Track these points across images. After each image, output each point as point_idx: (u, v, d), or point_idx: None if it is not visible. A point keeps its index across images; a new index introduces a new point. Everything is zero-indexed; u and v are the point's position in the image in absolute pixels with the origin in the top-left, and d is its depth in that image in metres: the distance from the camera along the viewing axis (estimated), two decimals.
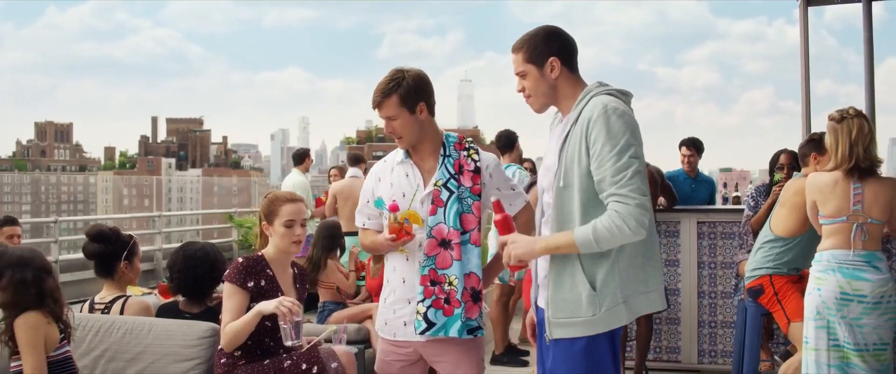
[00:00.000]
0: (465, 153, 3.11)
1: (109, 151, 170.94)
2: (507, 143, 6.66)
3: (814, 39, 6.94)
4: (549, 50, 2.67)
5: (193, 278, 3.82)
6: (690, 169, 6.97)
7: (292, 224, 3.38)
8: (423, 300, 3.02)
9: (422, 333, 3.03)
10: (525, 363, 6.32)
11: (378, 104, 3.05)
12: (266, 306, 3.24)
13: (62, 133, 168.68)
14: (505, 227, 2.70)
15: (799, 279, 4.31)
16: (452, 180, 3.06)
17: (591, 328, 2.56)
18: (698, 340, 5.95)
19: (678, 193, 6.38)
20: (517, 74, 2.74)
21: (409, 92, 3.02)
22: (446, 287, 3.00)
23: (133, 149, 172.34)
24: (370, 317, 5.52)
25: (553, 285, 2.61)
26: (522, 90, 2.74)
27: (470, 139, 3.20)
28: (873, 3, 6.22)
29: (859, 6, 6.27)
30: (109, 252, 3.87)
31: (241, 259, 3.40)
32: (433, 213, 3.03)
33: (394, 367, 3.21)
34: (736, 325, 5.43)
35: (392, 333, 3.16)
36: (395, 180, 3.15)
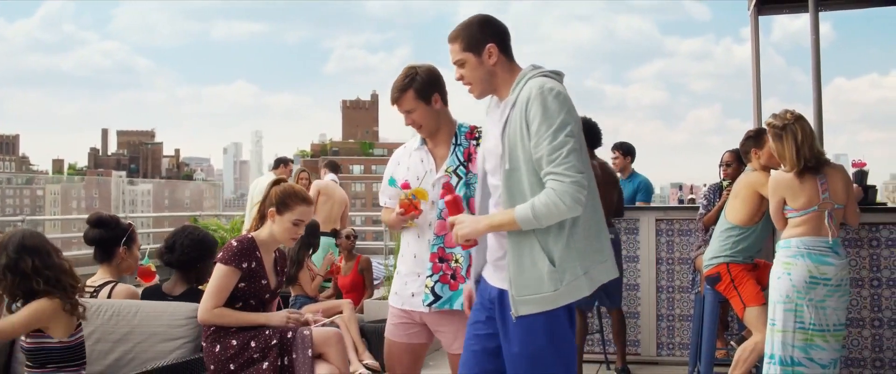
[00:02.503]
0: (475, 142, 3.36)
1: (58, 164, 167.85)
2: None
3: (762, 57, 7.24)
4: (486, 37, 2.78)
5: (198, 256, 3.98)
6: (619, 171, 7.40)
7: (299, 224, 3.61)
8: (431, 275, 3.28)
9: (429, 305, 3.28)
10: None
11: (396, 100, 3.30)
12: (276, 320, 3.55)
13: (8, 145, 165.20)
14: (455, 208, 2.83)
15: (754, 267, 4.58)
16: (461, 167, 3.31)
17: (554, 302, 2.66)
18: (657, 333, 6.18)
19: None
20: (455, 63, 2.84)
21: (423, 85, 3.27)
22: (453, 264, 3.26)
23: (82, 161, 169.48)
24: (340, 312, 5.69)
25: (514, 267, 2.70)
26: (461, 78, 2.84)
27: (480, 129, 3.39)
28: (820, 13, 6.54)
29: (807, 17, 6.59)
30: (109, 237, 3.99)
31: (234, 242, 3.57)
32: (443, 196, 3.22)
33: (401, 330, 3.45)
34: (693, 318, 5.69)
35: (401, 302, 3.42)
36: (411, 165, 3.42)
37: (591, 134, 5.59)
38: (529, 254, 2.67)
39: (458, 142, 3.34)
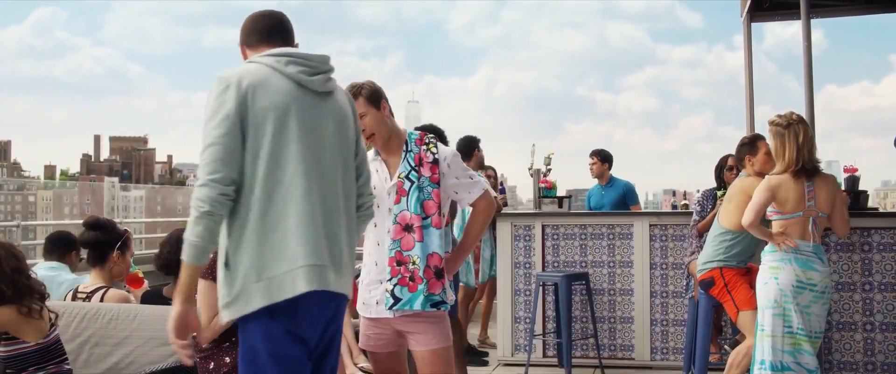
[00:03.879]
0: (425, 147, 3.42)
1: (50, 170, 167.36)
2: (463, 150, 6.87)
3: (754, 65, 7.30)
4: (240, 37, 2.73)
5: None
6: (597, 177, 7.63)
7: None
8: (390, 279, 3.32)
9: (390, 308, 3.32)
10: (485, 363, 6.52)
11: None
12: None
13: None
14: None
15: (747, 272, 4.62)
16: (413, 172, 3.36)
17: (232, 312, 2.43)
18: (651, 338, 6.21)
19: (589, 201, 7.62)
20: None
21: (371, 92, 3.37)
22: (410, 266, 3.29)
23: (74, 167, 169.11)
24: None
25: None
26: None
27: (431, 136, 3.48)
28: (812, 20, 6.60)
29: (799, 24, 6.65)
30: (104, 241, 4.01)
31: (211, 254, 3.52)
32: (397, 201, 3.34)
33: (375, 339, 3.49)
34: (687, 322, 5.73)
35: (368, 311, 3.45)
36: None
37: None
38: (220, 258, 2.49)
39: (409, 148, 3.41)
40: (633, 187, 7.76)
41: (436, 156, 3.40)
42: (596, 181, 7.69)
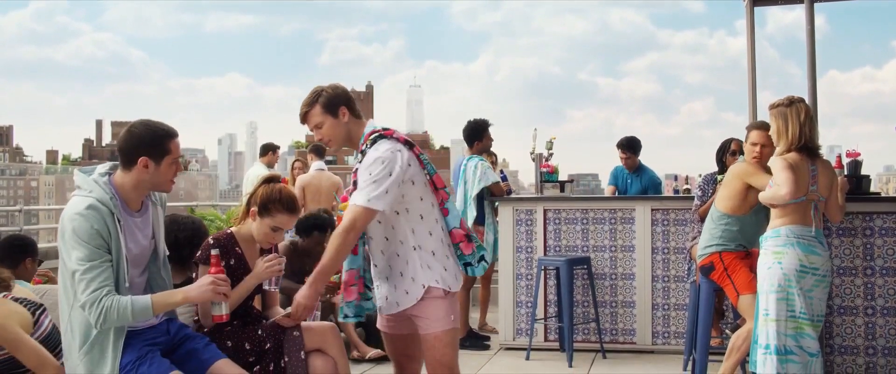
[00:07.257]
0: (367, 147, 3.31)
1: (52, 155, 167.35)
2: (471, 134, 6.85)
3: (756, 50, 7.24)
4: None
5: (175, 239, 3.85)
6: (628, 167, 7.68)
7: (278, 230, 3.53)
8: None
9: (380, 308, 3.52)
10: (487, 347, 6.54)
11: (304, 116, 3.37)
12: (261, 271, 3.50)
13: (1, 136, 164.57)
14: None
15: (747, 255, 4.62)
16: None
17: None
18: (652, 322, 6.22)
19: (619, 185, 7.63)
20: None
21: (329, 99, 3.34)
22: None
23: (76, 152, 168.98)
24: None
25: None
26: None
27: (376, 134, 3.33)
28: (815, 4, 6.57)
29: (802, 8, 6.61)
30: None
31: (210, 240, 3.49)
32: (344, 200, 3.45)
33: (390, 324, 3.54)
34: (688, 307, 5.74)
35: (380, 307, 3.53)
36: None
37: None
38: None
39: (361, 149, 3.34)
40: (660, 184, 7.77)
41: (365, 157, 3.31)
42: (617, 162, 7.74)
